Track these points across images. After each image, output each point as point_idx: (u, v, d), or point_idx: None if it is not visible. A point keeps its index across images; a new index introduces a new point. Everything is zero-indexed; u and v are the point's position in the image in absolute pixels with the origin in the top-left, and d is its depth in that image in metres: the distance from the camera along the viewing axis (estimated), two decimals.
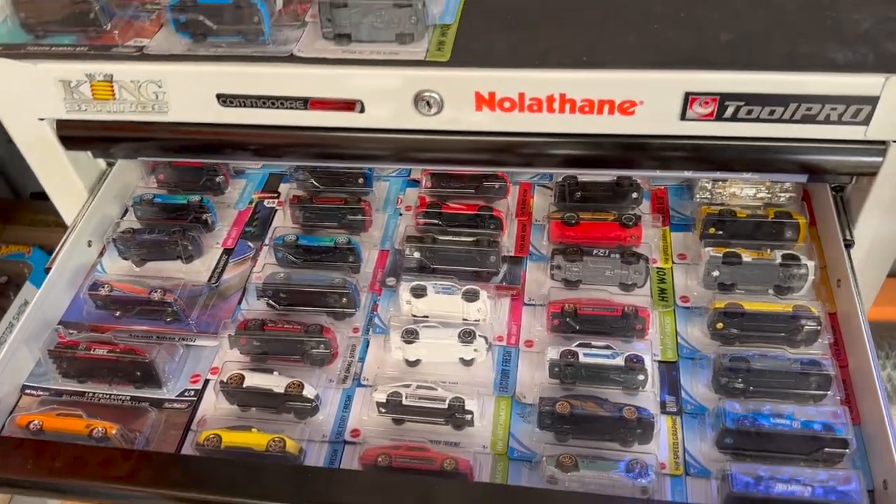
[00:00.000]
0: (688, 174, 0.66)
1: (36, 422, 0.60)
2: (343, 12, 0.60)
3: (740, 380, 0.59)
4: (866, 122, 0.57)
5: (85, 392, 0.65)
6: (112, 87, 0.64)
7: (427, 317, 0.66)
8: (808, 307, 0.61)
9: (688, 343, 0.64)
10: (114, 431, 0.60)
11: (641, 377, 0.59)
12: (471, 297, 0.64)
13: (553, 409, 0.57)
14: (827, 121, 0.57)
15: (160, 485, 0.54)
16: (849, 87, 0.55)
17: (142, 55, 0.63)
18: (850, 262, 0.62)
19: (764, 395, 0.59)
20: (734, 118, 0.58)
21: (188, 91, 0.64)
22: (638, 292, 0.67)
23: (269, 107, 0.63)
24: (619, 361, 0.59)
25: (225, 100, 0.63)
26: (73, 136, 0.69)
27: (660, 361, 0.63)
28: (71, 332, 0.67)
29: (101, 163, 0.75)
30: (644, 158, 0.63)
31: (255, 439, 0.59)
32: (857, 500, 0.52)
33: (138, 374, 0.64)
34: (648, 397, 0.60)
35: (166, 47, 0.63)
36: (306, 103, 0.63)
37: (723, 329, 0.62)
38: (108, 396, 0.65)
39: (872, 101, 0.56)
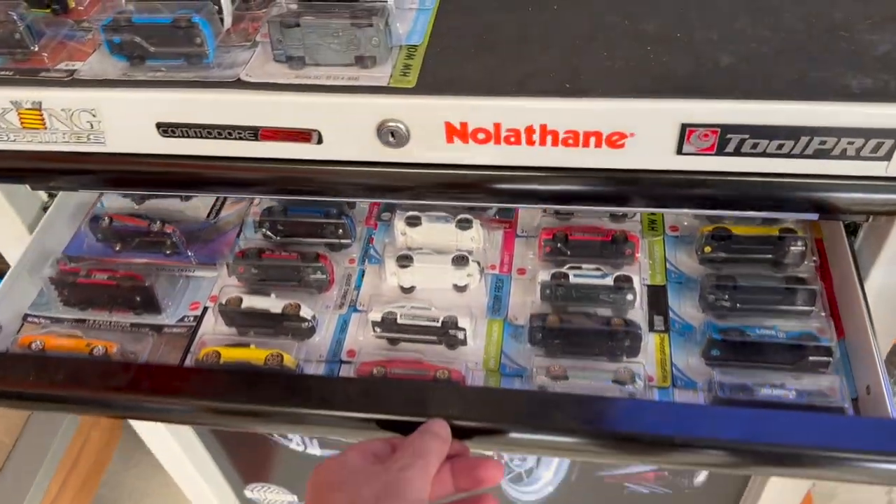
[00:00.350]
0: (686, 211, 0.59)
1: (38, 342, 0.64)
2: (295, 32, 0.53)
3: (727, 297, 0.61)
4: (888, 157, 0.50)
5: (86, 319, 0.69)
6: (41, 115, 0.57)
7: (422, 247, 0.69)
8: (794, 230, 0.64)
9: (676, 268, 0.67)
10: (114, 350, 0.63)
11: (630, 297, 0.63)
12: (464, 225, 0.68)
13: (543, 323, 0.61)
14: (843, 156, 0.50)
15: (160, 393, 0.58)
16: (867, 118, 0.49)
17: (73, 80, 0.56)
18: None
19: (750, 312, 0.61)
20: (737, 153, 0.51)
21: (125, 120, 0.57)
22: (628, 222, 0.69)
23: (214, 137, 0.56)
24: (609, 281, 0.63)
25: (166, 129, 0.56)
26: (3, 167, 0.63)
27: (648, 285, 0.66)
28: (72, 263, 0.69)
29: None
30: (635, 196, 0.56)
31: (254, 354, 0.62)
32: (842, 404, 0.55)
33: (138, 299, 0.67)
34: (637, 314, 0.63)
35: (100, 71, 0.56)
36: (256, 133, 0.56)
37: (710, 253, 0.65)
38: (108, 323, 0.69)
39: (894, 133, 0.49)
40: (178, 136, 0.57)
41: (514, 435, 0.56)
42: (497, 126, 0.53)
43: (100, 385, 0.59)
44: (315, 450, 0.98)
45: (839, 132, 0.49)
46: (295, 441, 0.98)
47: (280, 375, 0.61)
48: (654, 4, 0.57)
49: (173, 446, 0.99)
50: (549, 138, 0.53)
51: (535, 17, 0.57)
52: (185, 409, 0.61)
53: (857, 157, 0.50)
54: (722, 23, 0.55)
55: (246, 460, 1.07)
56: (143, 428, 0.98)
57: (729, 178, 0.53)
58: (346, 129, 0.55)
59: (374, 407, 0.57)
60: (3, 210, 0.67)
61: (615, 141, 0.52)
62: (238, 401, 0.58)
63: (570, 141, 0.53)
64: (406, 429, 0.54)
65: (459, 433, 0.54)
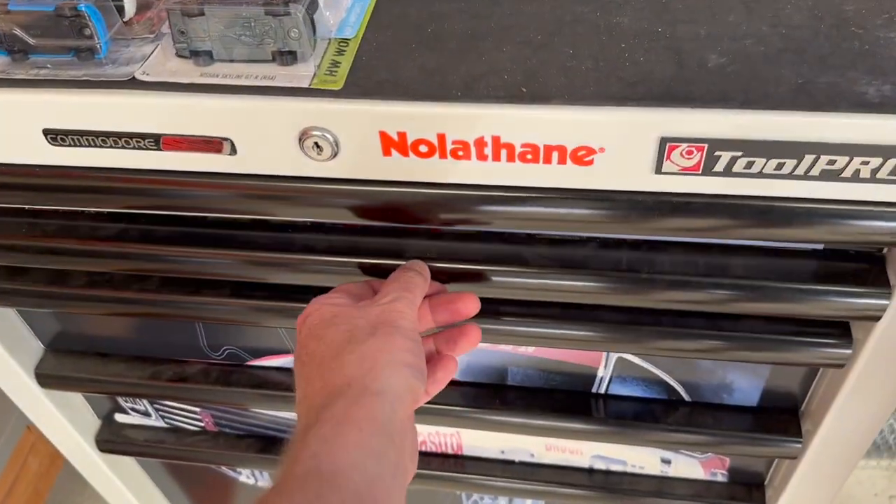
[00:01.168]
0: (667, 239, 0.51)
1: None
2: (199, 22, 0.44)
3: None
4: None
5: None
6: None
7: None
8: None
9: None
10: None
11: None
12: None
13: None
14: (856, 178, 0.42)
15: None
16: (887, 132, 0.40)
17: None
18: None
19: None
20: (728, 173, 0.42)
21: (6, 125, 0.48)
22: None
23: (110, 146, 0.48)
24: None
25: (55, 136, 0.48)
26: None
27: None
28: None
29: None
30: (605, 221, 0.47)
31: None
32: None
33: None
34: None
35: None
36: (158, 142, 0.47)
37: None
38: None
39: None
40: (69, 145, 0.48)
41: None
42: (441, 137, 0.44)
43: None
44: (265, 482, 0.90)
45: (852, 150, 0.40)
46: (245, 474, 0.90)
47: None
48: None
49: (116, 483, 0.90)
50: (503, 152, 0.44)
51: (490, 8, 0.48)
52: None
53: (873, 179, 0.42)
54: (712, 15, 0.46)
55: (197, 495, 0.99)
56: (82, 464, 0.89)
57: (719, 201, 0.44)
58: (262, 137, 0.46)
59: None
60: None
61: (582, 157, 0.43)
62: None
63: (529, 156, 0.44)
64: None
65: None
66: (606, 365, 0.64)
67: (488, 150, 0.44)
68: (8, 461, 1.06)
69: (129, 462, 0.91)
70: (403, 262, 0.51)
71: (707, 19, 0.46)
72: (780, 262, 0.51)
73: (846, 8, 0.46)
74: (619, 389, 0.66)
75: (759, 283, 0.50)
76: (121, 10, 0.48)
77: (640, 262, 0.51)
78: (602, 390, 0.66)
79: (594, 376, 0.65)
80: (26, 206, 0.57)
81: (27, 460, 1.10)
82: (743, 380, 0.62)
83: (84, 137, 0.48)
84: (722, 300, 0.51)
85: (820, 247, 0.50)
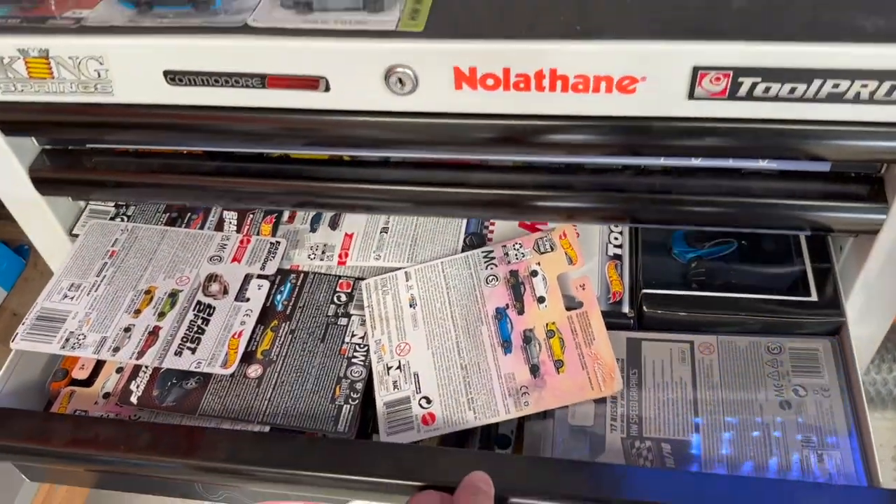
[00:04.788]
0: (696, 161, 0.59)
1: None
2: None
3: None
4: None
5: None
6: (49, 63, 0.57)
7: None
8: None
9: None
10: None
11: None
12: None
13: None
14: (856, 100, 0.50)
15: None
16: (882, 59, 0.48)
17: (80, 28, 0.56)
18: None
19: None
20: (749, 97, 0.51)
21: (132, 68, 0.56)
22: None
23: (221, 85, 0.56)
24: None
25: (173, 77, 0.56)
26: (10, 120, 0.62)
27: None
28: None
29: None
30: (645, 147, 0.55)
31: None
32: None
33: None
34: None
35: (107, 18, 0.56)
36: (263, 81, 0.55)
37: None
38: None
39: None
40: (186, 85, 0.56)
41: None
42: (506, 71, 0.52)
43: None
44: None
45: (852, 74, 0.49)
46: None
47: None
48: None
49: None
50: (559, 83, 0.52)
51: None
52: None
53: (871, 101, 0.50)
54: None
55: None
56: None
57: (741, 125, 0.52)
58: (353, 75, 0.54)
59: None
60: (9, 163, 0.67)
61: (626, 86, 0.52)
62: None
63: (581, 86, 0.52)
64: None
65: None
66: None
67: (546, 83, 0.52)
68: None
69: None
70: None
71: None
72: (793, 184, 0.59)
73: None
74: None
75: (774, 201, 0.58)
76: None
77: (670, 186, 0.60)
78: None
79: None
80: (138, 144, 0.65)
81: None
82: None
83: (199, 77, 0.56)
84: (742, 217, 0.59)
85: (827, 167, 0.58)
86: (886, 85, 0.49)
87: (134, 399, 0.60)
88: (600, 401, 0.57)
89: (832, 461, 0.53)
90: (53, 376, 0.63)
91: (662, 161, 0.59)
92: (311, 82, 0.55)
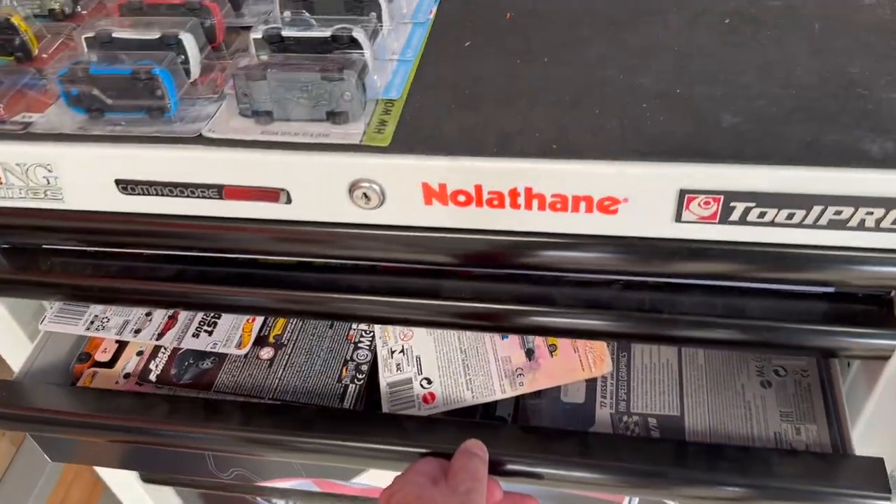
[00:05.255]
0: (687, 281, 0.54)
1: None
2: (262, 86, 0.49)
3: None
4: None
5: None
6: None
7: None
8: None
9: None
10: None
11: None
12: None
13: None
14: (861, 227, 0.45)
15: None
16: (889, 185, 0.43)
17: (27, 134, 0.53)
18: None
19: None
20: (743, 221, 0.46)
21: (82, 176, 0.53)
22: None
23: (176, 195, 0.52)
24: None
25: (125, 186, 0.53)
26: None
27: None
28: None
29: None
30: (630, 267, 0.51)
31: None
32: None
33: None
34: None
35: (57, 124, 0.53)
36: (220, 192, 0.52)
37: None
38: None
39: None
40: (138, 194, 0.53)
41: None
42: (478, 188, 0.48)
43: None
44: None
45: (856, 201, 0.44)
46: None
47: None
48: (653, 56, 0.52)
49: None
50: (535, 202, 0.48)
51: (523, 69, 0.53)
52: None
53: (878, 228, 0.45)
54: (726, 77, 0.50)
55: None
56: (125, 493, 0.93)
57: (735, 248, 0.48)
58: (316, 188, 0.50)
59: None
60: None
61: (607, 206, 0.47)
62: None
63: (559, 205, 0.48)
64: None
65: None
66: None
67: (521, 200, 0.48)
68: (52, 491, 1.10)
69: (168, 492, 0.95)
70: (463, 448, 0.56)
71: (723, 81, 0.50)
72: (795, 303, 0.54)
73: (852, 70, 0.50)
74: None
75: (775, 325, 0.53)
76: (187, 72, 0.54)
77: (661, 302, 0.55)
78: None
79: None
80: (90, 249, 0.62)
81: (69, 491, 1.14)
82: None
83: (152, 187, 0.52)
84: (740, 340, 0.54)
85: (831, 289, 0.53)
86: (894, 213, 0.44)
87: (153, 377, 0.67)
88: (591, 380, 0.62)
89: (809, 434, 0.58)
90: (77, 359, 0.70)
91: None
92: (270, 194, 0.51)
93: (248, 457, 0.70)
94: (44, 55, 0.58)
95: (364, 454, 0.59)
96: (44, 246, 0.64)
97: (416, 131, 0.49)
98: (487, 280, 0.58)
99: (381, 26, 0.55)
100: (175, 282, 0.60)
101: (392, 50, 0.55)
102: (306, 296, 0.59)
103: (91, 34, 0.53)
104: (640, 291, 0.56)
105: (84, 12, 0.62)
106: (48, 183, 0.54)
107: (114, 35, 0.53)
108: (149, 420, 0.62)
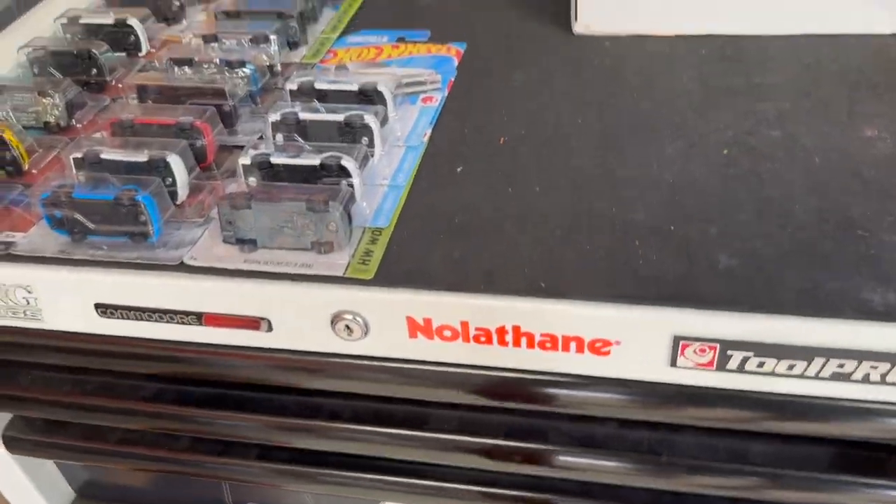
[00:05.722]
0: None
1: None
2: (246, 214, 0.48)
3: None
4: None
5: None
6: None
7: None
8: None
9: None
10: None
11: None
12: None
13: None
14: (866, 381, 0.43)
15: None
16: (891, 340, 0.41)
17: (8, 255, 0.52)
18: None
19: None
20: (741, 370, 0.44)
21: (61, 299, 0.52)
22: None
23: (155, 320, 0.51)
24: None
25: (104, 310, 0.51)
26: None
27: None
28: None
29: None
30: (621, 406, 0.48)
31: None
32: None
33: None
34: None
35: (39, 246, 0.52)
36: (200, 318, 0.50)
37: None
38: None
39: None
40: (118, 318, 0.51)
41: None
42: (464, 324, 0.47)
43: None
44: None
45: (860, 355, 0.42)
46: None
47: None
48: (647, 188, 0.51)
49: None
50: (523, 340, 0.46)
51: (514, 200, 0.52)
52: None
53: (883, 382, 0.43)
54: (722, 214, 0.49)
55: None
56: None
57: (734, 395, 0.46)
58: (297, 319, 0.49)
59: None
60: None
61: (599, 348, 0.45)
62: None
63: (548, 344, 0.46)
64: None
65: None
66: None
67: (509, 338, 0.47)
68: None
69: None
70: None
71: (718, 218, 0.48)
72: (800, 448, 0.51)
73: (853, 210, 0.48)
74: None
75: (778, 472, 0.50)
76: (174, 195, 0.53)
77: (660, 444, 0.52)
78: None
79: None
80: (69, 365, 0.60)
81: None
82: None
83: (132, 312, 0.51)
84: (741, 487, 0.51)
85: None
86: None
87: None
88: None
89: None
90: None
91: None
92: (251, 322, 0.50)
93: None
94: (34, 171, 0.58)
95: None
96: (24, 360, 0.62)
97: (402, 263, 0.48)
98: (474, 410, 0.55)
99: (373, 152, 0.54)
100: (153, 402, 0.58)
101: (383, 175, 0.54)
102: (286, 422, 0.57)
103: (79, 154, 0.53)
104: (637, 430, 0.53)
105: (79, 125, 0.62)
106: (28, 303, 0.53)
107: (102, 156, 0.53)
108: None
